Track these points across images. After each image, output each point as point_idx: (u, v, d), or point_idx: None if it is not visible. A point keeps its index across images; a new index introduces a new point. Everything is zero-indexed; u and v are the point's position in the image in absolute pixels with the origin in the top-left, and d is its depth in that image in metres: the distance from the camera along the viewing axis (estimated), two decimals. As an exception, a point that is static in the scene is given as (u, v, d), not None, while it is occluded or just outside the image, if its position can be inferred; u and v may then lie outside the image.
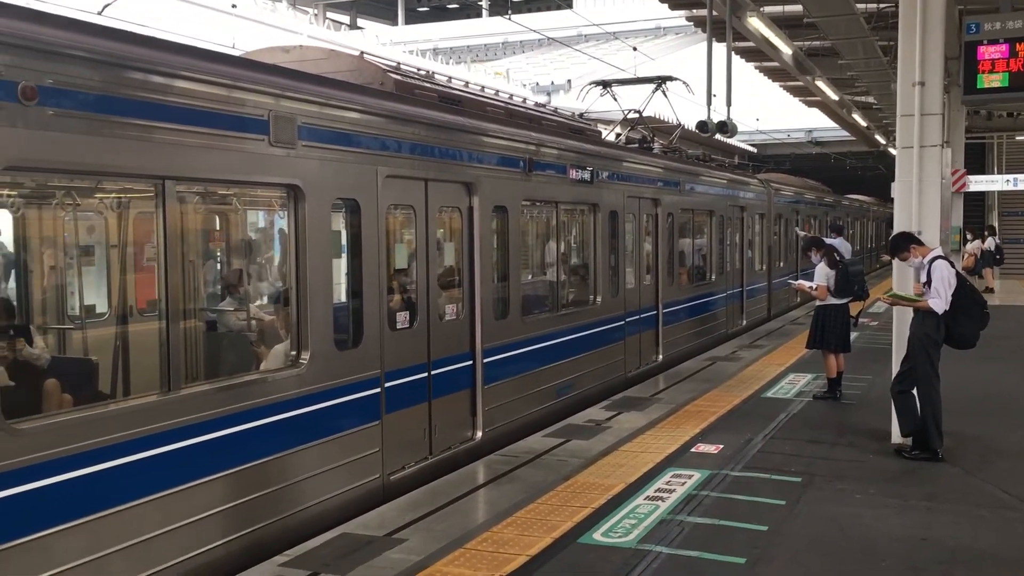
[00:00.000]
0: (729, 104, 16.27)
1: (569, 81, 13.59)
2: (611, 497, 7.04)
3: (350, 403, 6.98)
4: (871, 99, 25.95)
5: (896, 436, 8.59)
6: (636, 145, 15.35)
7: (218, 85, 5.79)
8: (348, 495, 6.90)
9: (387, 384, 7.40)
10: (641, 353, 13.08)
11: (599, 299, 11.65)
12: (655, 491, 7.21)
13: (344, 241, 7.34)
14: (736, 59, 19.02)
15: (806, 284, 11.17)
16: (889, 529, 6.40)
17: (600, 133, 12.96)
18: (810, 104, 29.82)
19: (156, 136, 5.32)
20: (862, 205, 38.22)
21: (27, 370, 5.88)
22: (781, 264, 22.29)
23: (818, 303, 10.98)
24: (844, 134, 37.28)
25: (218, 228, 9.14)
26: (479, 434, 8.80)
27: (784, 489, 7.27)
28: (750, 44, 19.53)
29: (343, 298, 7.31)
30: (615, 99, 15.81)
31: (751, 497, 7.05)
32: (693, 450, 8.50)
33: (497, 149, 9.18)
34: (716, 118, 16.70)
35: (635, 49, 24.47)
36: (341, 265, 7.26)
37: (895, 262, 8.88)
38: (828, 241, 13.44)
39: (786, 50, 19.10)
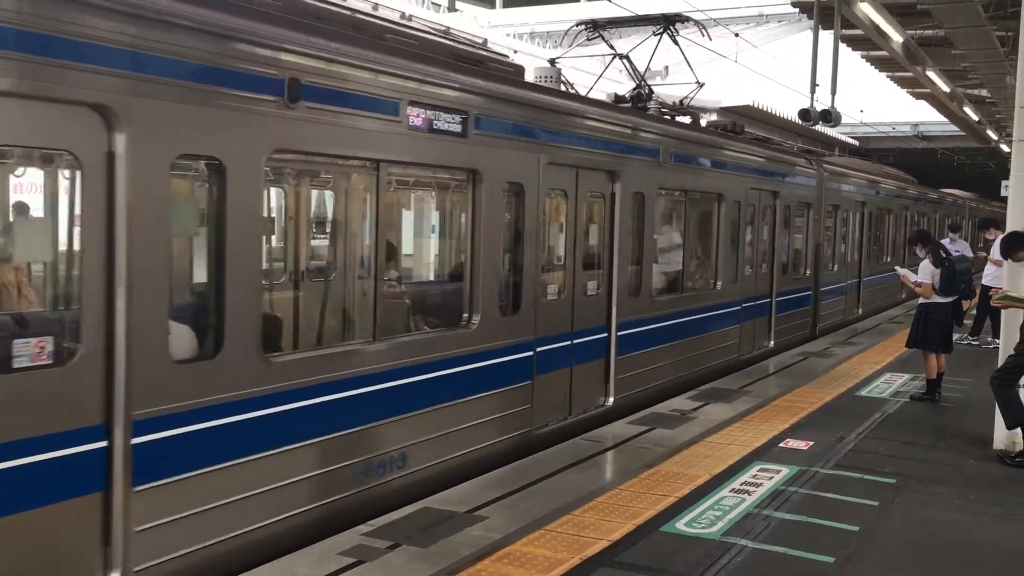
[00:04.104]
0: (834, 93, 15.83)
1: (666, 67, 13.20)
2: (696, 487, 6.92)
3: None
4: (984, 92, 24.89)
5: (998, 441, 8.23)
6: (623, 98, 11.67)
7: None
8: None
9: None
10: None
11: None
12: (741, 484, 7.06)
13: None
14: (841, 48, 18.42)
15: (911, 277, 10.77)
16: (989, 537, 6.12)
17: (522, 71, 8.83)
18: (918, 96, 28.76)
19: None
20: (956, 200, 32.48)
21: None
22: (834, 267, 17.69)
23: (921, 301, 10.58)
24: (953, 129, 35.88)
25: None
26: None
27: (877, 490, 7.02)
28: (858, 32, 18.88)
29: None
30: (611, 47, 12.41)
31: (842, 496, 6.83)
32: (782, 445, 8.29)
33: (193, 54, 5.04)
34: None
35: (737, 35, 23.91)
36: None
37: (1007, 263, 8.51)
38: (949, 244, 12.95)
39: (897, 38, 18.42)
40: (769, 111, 30.97)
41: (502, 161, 7.66)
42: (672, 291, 11.28)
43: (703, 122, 13.53)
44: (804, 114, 16.16)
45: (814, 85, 16.25)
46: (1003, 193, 21.13)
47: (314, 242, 7.75)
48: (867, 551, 5.78)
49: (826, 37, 16.53)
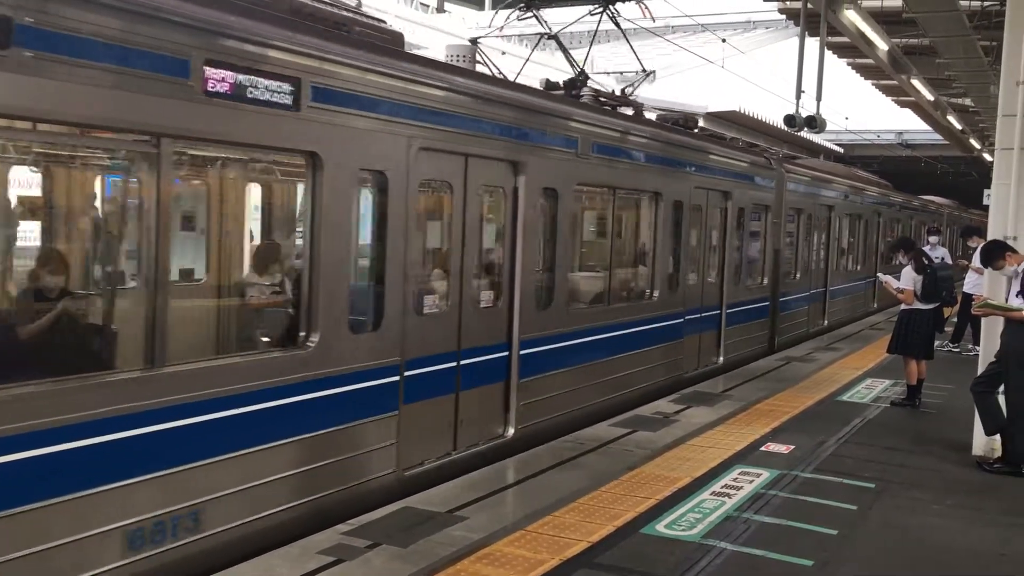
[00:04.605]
0: (819, 99, 15.92)
1: (654, 72, 13.01)
2: (676, 490, 6.93)
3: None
4: (968, 101, 25.08)
5: (977, 447, 8.30)
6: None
7: None
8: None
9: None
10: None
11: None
12: (722, 487, 7.08)
13: None
14: (827, 56, 18.51)
15: (893, 283, 10.86)
16: (966, 542, 6.17)
17: (400, 38, 7.29)
18: (903, 104, 28.95)
19: None
20: (935, 208, 32.22)
21: None
22: (796, 275, 16.51)
23: (903, 307, 10.66)
24: (936, 137, 36.14)
25: None
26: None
27: (856, 494, 7.06)
28: (844, 39, 18.99)
29: None
30: (547, 26, 11.31)
31: (821, 500, 6.87)
32: (763, 448, 8.32)
33: None
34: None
35: (724, 41, 23.99)
36: None
37: (987, 271, 8.58)
38: (930, 251, 13.03)
39: (882, 46, 18.54)
40: (755, 117, 31.11)
41: (353, 143, 6.13)
42: (595, 302, 9.92)
43: (653, 115, 12.87)
44: (789, 120, 16.25)
45: (800, 92, 16.32)
46: (985, 202, 21.25)
47: (56, 242, 5.98)
48: (846, 554, 5.81)
49: (812, 44, 16.61)
